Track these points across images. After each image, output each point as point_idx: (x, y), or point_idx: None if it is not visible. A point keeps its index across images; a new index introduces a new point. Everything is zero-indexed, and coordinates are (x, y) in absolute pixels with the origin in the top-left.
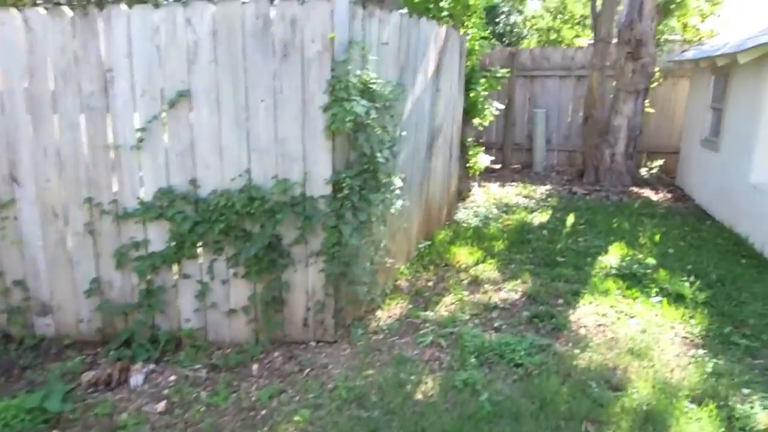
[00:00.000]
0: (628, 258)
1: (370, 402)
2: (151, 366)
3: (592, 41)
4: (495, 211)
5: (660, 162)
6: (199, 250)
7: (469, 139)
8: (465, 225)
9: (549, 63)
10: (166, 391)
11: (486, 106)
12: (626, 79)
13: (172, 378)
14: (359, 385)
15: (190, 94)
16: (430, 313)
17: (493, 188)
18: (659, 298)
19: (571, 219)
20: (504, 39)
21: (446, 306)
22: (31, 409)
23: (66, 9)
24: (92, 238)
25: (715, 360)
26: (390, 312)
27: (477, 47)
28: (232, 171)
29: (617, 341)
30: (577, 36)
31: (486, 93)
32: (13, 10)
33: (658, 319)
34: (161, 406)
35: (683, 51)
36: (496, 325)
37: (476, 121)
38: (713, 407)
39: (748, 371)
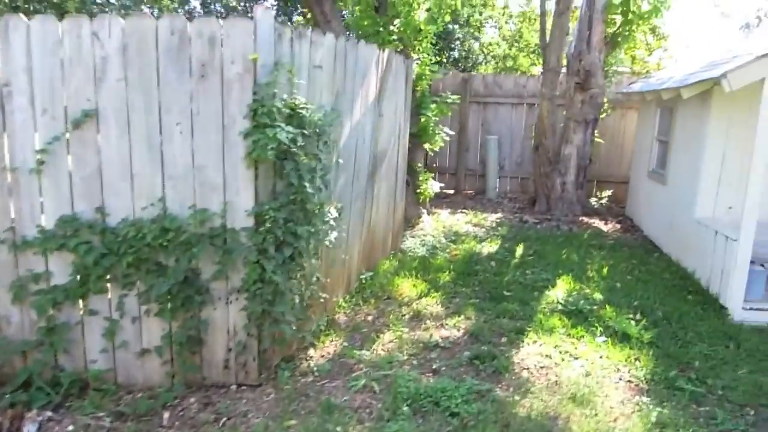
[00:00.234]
0: (575, 292)
1: None
2: (48, 413)
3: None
4: (443, 240)
5: (609, 192)
6: (108, 285)
7: (419, 165)
8: (411, 254)
9: (501, 90)
10: None
11: (436, 132)
12: (576, 109)
13: (70, 428)
14: None
15: (98, 115)
16: (365, 353)
17: (444, 215)
18: (604, 338)
19: (520, 249)
20: (460, 64)
21: (384, 344)
22: None
23: None
24: None
25: (659, 409)
26: (323, 350)
27: (428, 72)
28: (145, 199)
29: (560, 385)
30: (534, 64)
31: (437, 118)
32: None
33: (603, 360)
34: None
35: (631, 83)
36: (434, 366)
37: (427, 146)
38: None
39: (693, 422)
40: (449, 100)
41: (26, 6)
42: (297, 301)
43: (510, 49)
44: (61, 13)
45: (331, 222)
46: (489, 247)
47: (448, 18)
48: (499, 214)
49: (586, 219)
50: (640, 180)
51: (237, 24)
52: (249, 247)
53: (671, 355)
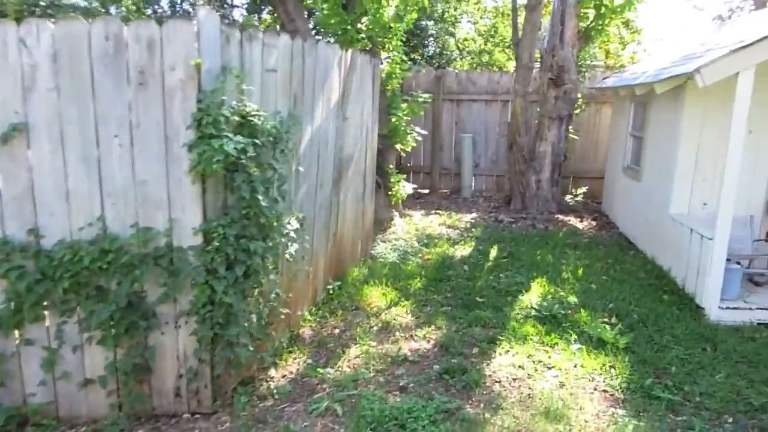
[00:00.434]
0: (550, 296)
1: None
2: None
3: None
4: (416, 243)
5: (585, 188)
6: (45, 312)
7: (391, 166)
8: (382, 261)
9: (475, 87)
10: None
11: (408, 132)
12: (549, 105)
13: None
14: None
15: (28, 128)
16: (330, 370)
17: (417, 217)
18: (579, 345)
19: (494, 251)
20: (434, 61)
21: (350, 360)
22: None
23: None
24: None
25: (635, 421)
26: (286, 369)
27: (398, 71)
28: (82, 218)
29: (533, 399)
30: (510, 59)
31: (408, 118)
32: None
33: (578, 369)
34: None
35: (605, 77)
36: (402, 383)
37: (399, 146)
38: None
39: None
40: (421, 99)
41: None
42: (255, 320)
43: (486, 45)
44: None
45: (292, 234)
46: (462, 250)
47: (415, 15)
48: (474, 214)
49: (561, 216)
50: (615, 176)
51: (178, 27)
52: (197, 267)
53: (647, 361)
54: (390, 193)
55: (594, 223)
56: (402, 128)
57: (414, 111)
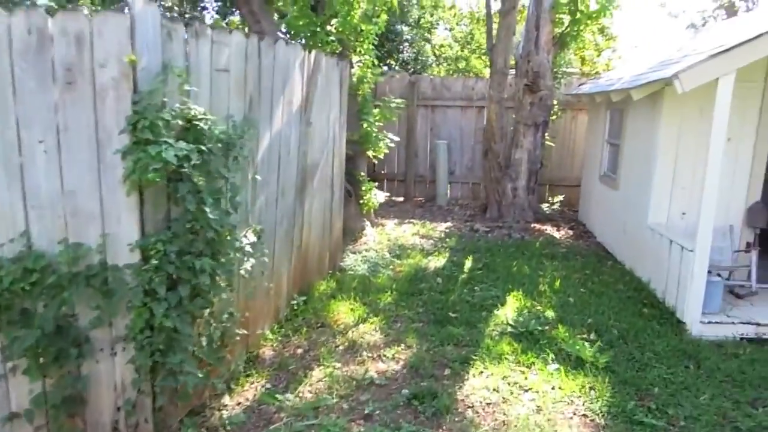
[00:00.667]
0: (526, 311)
1: None
2: None
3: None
4: (387, 255)
5: (561, 197)
6: None
7: (362, 174)
8: (351, 273)
9: (450, 93)
10: None
11: (380, 138)
12: (525, 112)
13: None
14: None
15: None
16: (289, 396)
17: (390, 226)
18: (557, 366)
19: (469, 262)
20: (410, 67)
21: (312, 384)
22: None
23: None
24: None
25: None
26: (241, 396)
27: (370, 75)
28: (3, 233)
29: (509, 426)
30: (487, 66)
31: (380, 124)
32: None
33: (556, 392)
34: None
35: (581, 84)
36: (367, 410)
37: (371, 153)
38: None
39: None
40: (393, 104)
41: None
42: (205, 343)
43: (462, 51)
44: None
45: (248, 249)
46: (436, 261)
47: (384, 17)
48: (449, 223)
49: (538, 225)
50: (591, 184)
51: (110, 19)
52: (134, 287)
53: (629, 382)
54: (361, 201)
55: (571, 232)
56: (374, 134)
57: (386, 117)
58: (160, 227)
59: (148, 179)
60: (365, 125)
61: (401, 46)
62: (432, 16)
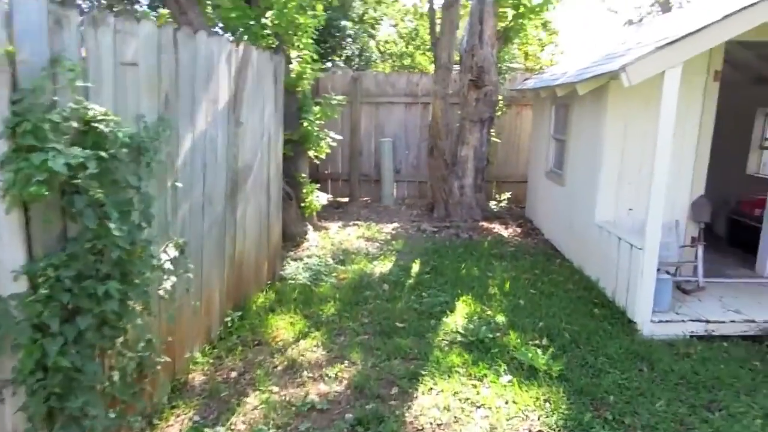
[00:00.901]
0: (476, 316)
1: None
2: None
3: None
4: (330, 261)
5: (509, 194)
6: None
7: (303, 175)
8: (291, 283)
9: (394, 89)
10: None
11: (322, 137)
12: (470, 108)
13: None
14: None
15: None
16: (220, 429)
17: (334, 229)
18: (509, 377)
19: (416, 266)
20: (353, 63)
21: (246, 413)
22: None
23: None
24: None
25: None
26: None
27: (309, 71)
28: None
29: None
30: (432, 62)
31: (322, 122)
32: None
33: (509, 407)
34: None
35: (525, 79)
36: None
37: (312, 153)
38: None
39: None
40: (335, 102)
41: None
42: (117, 378)
43: (407, 47)
44: None
45: (167, 266)
46: (382, 266)
47: (320, 7)
48: (396, 224)
49: (486, 224)
50: (537, 180)
51: None
52: (20, 322)
53: (584, 391)
54: (303, 204)
55: (519, 230)
56: (315, 133)
57: (327, 114)
58: (52, 249)
59: (31, 193)
60: (305, 124)
61: (344, 42)
62: (376, 11)
